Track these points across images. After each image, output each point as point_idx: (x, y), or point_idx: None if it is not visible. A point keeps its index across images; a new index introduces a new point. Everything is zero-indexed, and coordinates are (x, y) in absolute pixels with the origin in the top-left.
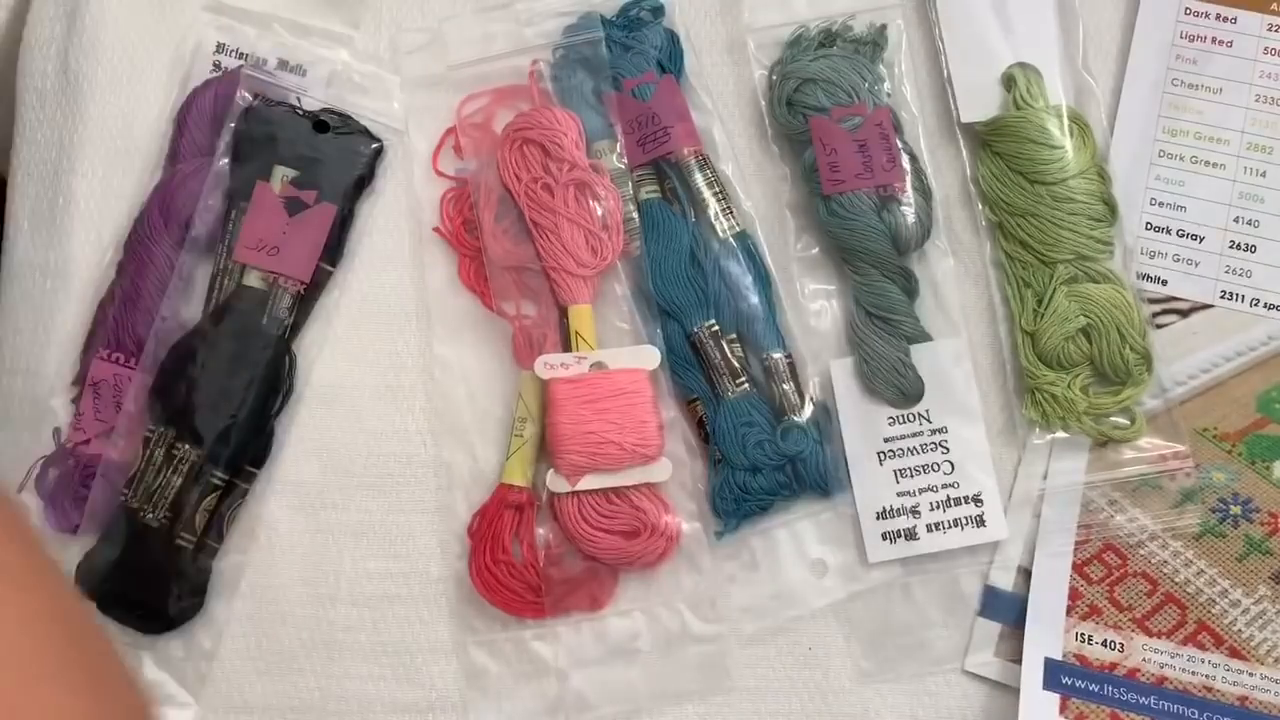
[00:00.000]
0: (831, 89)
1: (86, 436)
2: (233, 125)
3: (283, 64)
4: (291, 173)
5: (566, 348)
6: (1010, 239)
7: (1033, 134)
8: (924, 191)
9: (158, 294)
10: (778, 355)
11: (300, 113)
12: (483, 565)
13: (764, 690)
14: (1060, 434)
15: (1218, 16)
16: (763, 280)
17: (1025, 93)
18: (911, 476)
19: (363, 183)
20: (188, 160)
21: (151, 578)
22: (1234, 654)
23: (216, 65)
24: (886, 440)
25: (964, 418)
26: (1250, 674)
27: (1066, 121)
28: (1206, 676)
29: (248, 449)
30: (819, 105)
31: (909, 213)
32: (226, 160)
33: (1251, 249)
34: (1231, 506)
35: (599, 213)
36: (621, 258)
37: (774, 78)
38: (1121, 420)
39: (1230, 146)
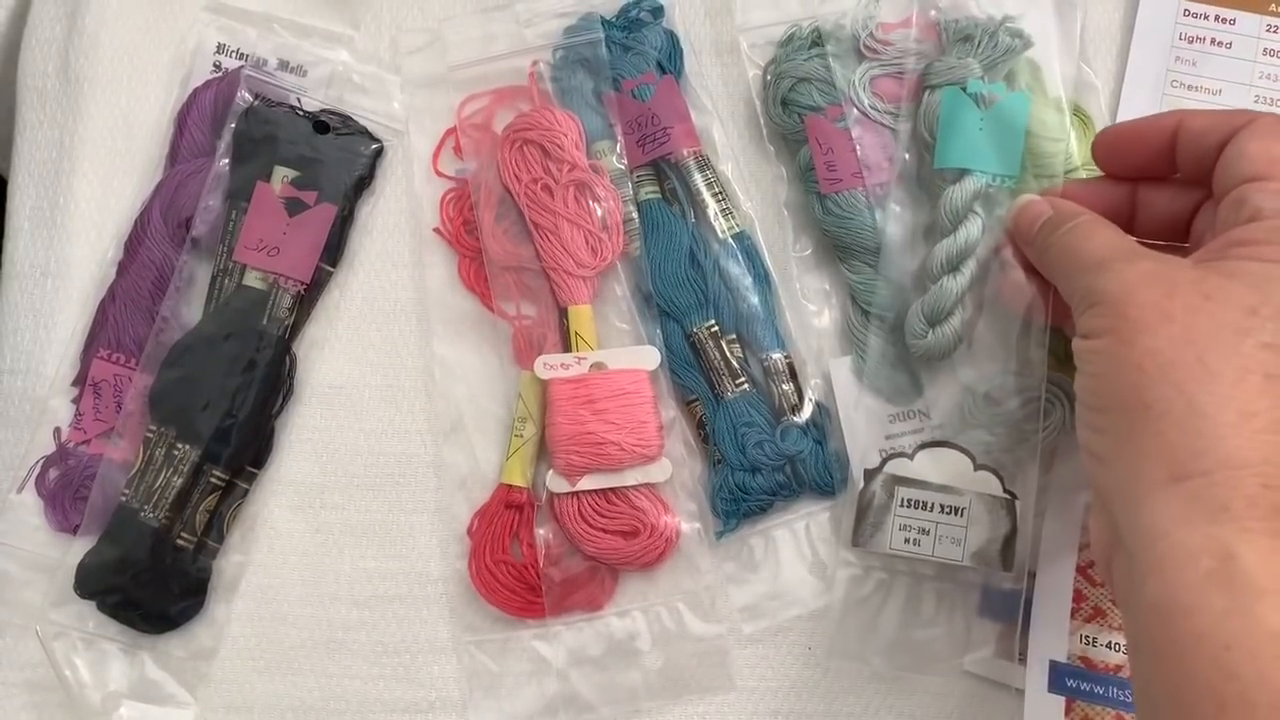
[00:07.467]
0: (826, 88)
1: (87, 436)
2: (233, 125)
3: (283, 64)
4: (292, 173)
5: (566, 348)
6: None
7: (1033, 127)
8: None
9: (158, 294)
10: (777, 355)
11: (300, 113)
12: (483, 565)
13: (764, 690)
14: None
15: (1217, 18)
16: (762, 280)
17: (1023, 87)
18: None
19: (363, 183)
20: (188, 160)
21: (152, 578)
22: None
23: (217, 66)
24: (888, 438)
25: None
26: None
27: (1067, 114)
28: None
29: (248, 449)
30: (814, 104)
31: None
32: (227, 160)
33: None
34: None
35: (599, 213)
36: (621, 258)
37: (768, 77)
38: None
39: None
